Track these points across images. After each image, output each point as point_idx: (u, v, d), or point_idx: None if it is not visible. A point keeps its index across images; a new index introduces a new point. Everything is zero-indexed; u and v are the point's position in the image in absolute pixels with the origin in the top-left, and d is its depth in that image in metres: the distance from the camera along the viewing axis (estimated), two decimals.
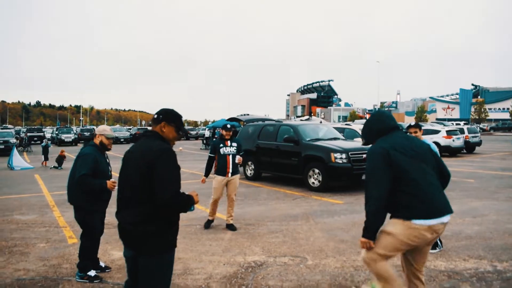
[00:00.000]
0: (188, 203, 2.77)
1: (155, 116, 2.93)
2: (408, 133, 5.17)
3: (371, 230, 3.09)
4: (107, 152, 4.95)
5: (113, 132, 4.95)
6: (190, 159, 21.71)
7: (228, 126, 7.25)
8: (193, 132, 53.24)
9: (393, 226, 3.07)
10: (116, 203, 2.95)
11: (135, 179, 2.74)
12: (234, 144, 7.17)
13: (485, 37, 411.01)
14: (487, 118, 78.61)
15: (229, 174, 7.02)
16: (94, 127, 50.54)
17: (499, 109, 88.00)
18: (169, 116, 2.92)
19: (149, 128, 3.11)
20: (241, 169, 14.07)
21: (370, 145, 3.35)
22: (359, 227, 7.06)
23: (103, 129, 4.89)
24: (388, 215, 3.16)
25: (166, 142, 2.90)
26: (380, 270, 3.14)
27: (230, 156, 7.03)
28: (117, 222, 2.90)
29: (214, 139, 7.52)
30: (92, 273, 4.76)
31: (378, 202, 3.01)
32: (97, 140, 4.83)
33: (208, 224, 7.14)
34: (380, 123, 3.34)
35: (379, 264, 3.13)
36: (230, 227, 7.01)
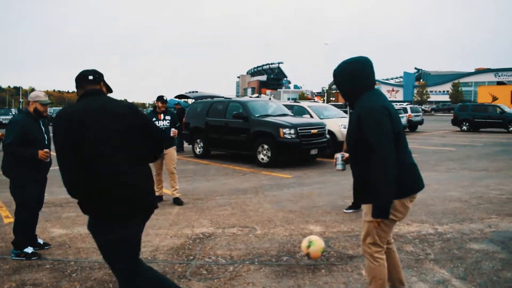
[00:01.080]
0: None
1: (91, 77, 2.74)
2: None
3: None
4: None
5: (47, 97, 4.60)
6: None
7: (165, 98, 7.02)
8: None
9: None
10: (86, 175, 2.45)
11: (127, 137, 2.59)
12: (168, 117, 6.98)
13: (428, 22, 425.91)
14: (428, 100, 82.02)
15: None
16: None
17: (440, 91, 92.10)
18: (102, 77, 2.84)
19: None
20: (189, 147, 13.90)
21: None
22: (307, 199, 7.14)
23: (36, 95, 4.50)
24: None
25: None
26: (375, 270, 2.92)
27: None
28: (117, 191, 2.49)
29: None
30: (29, 250, 4.48)
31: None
32: (31, 108, 4.46)
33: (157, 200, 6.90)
34: (367, 77, 2.90)
35: (377, 263, 2.92)
36: (176, 200, 6.86)
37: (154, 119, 6.82)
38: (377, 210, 2.69)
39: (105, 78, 2.84)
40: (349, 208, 6.20)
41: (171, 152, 6.98)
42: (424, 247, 4.62)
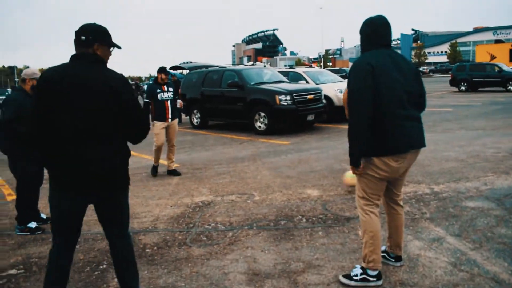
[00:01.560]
0: None
1: (83, 37, 2.47)
2: None
3: None
4: None
5: None
6: None
7: (161, 69, 6.86)
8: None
9: None
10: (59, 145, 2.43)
11: (99, 111, 2.40)
12: (171, 88, 6.88)
13: None
14: (426, 61, 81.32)
15: (169, 119, 6.79)
16: None
17: (437, 52, 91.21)
18: (101, 36, 2.54)
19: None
20: (187, 118, 13.89)
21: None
22: (304, 164, 7.19)
23: (33, 72, 4.44)
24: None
25: None
26: (365, 223, 3.02)
27: (169, 102, 6.77)
28: (73, 164, 2.42)
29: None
30: (32, 224, 4.56)
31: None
32: (28, 85, 4.40)
33: (154, 171, 6.95)
34: (374, 37, 2.98)
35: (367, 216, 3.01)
36: (174, 172, 6.89)
37: (158, 90, 6.72)
38: (349, 158, 2.90)
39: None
40: None
41: (174, 124, 6.93)
42: (420, 206, 4.69)
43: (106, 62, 2.59)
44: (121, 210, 2.69)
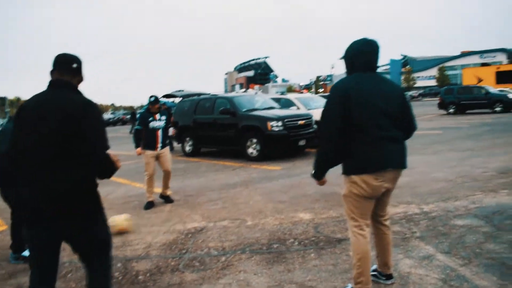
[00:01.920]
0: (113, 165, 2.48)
1: (74, 65, 2.50)
2: None
3: None
4: None
5: None
6: (116, 142, 21.11)
7: (152, 99, 6.82)
8: (107, 117, 49.73)
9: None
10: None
11: (56, 138, 2.30)
12: (163, 117, 6.86)
13: (410, 8, 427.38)
14: (415, 86, 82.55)
15: (158, 148, 6.77)
16: None
17: (426, 76, 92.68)
18: (82, 66, 2.57)
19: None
20: (179, 146, 13.94)
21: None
22: (296, 188, 7.25)
23: None
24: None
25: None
26: (354, 244, 3.07)
27: (160, 131, 6.76)
28: (29, 196, 2.37)
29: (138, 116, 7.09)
30: (27, 253, 4.54)
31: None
32: None
33: (149, 205, 6.70)
34: (360, 60, 3.02)
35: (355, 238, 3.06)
36: (167, 198, 6.90)
37: (150, 118, 6.72)
38: (313, 172, 3.16)
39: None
40: None
41: (166, 153, 6.88)
42: (410, 226, 4.74)
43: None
44: (93, 243, 2.56)
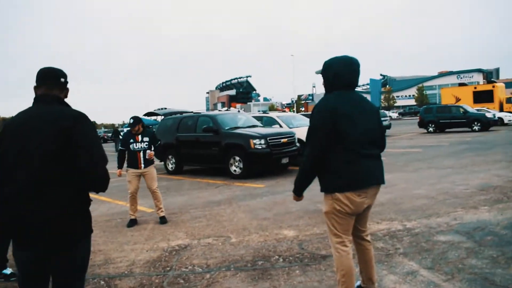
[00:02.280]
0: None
1: (62, 80, 2.43)
2: None
3: None
4: None
5: None
6: None
7: (131, 121, 6.68)
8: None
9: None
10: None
11: (45, 155, 2.16)
12: (146, 138, 6.73)
13: (391, 30, 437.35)
14: (395, 105, 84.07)
15: (142, 167, 6.69)
16: None
17: (406, 96, 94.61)
18: (67, 80, 2.50)
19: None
20: (161, 164, 13.84)
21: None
22: (280, 205, 7.25)
23: None
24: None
25: None
26: (337, 260, 3.08)
27: (141, 153, 6.66)
28: (15, 216, 2.19)
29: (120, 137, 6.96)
30: (7, 271, 4.44)
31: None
32: None
33: (131, 223, 6.61)
34: (340, 77, 3.05)
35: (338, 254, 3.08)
36: (162, 219, 6.71)
37: (131, 140, 6.65)
38: (293, 189, 3.26)
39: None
40: None
41: (151, 171, 6.77)
42: (393, 242, 4.79)
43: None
44: (74, 269, 2.35)
